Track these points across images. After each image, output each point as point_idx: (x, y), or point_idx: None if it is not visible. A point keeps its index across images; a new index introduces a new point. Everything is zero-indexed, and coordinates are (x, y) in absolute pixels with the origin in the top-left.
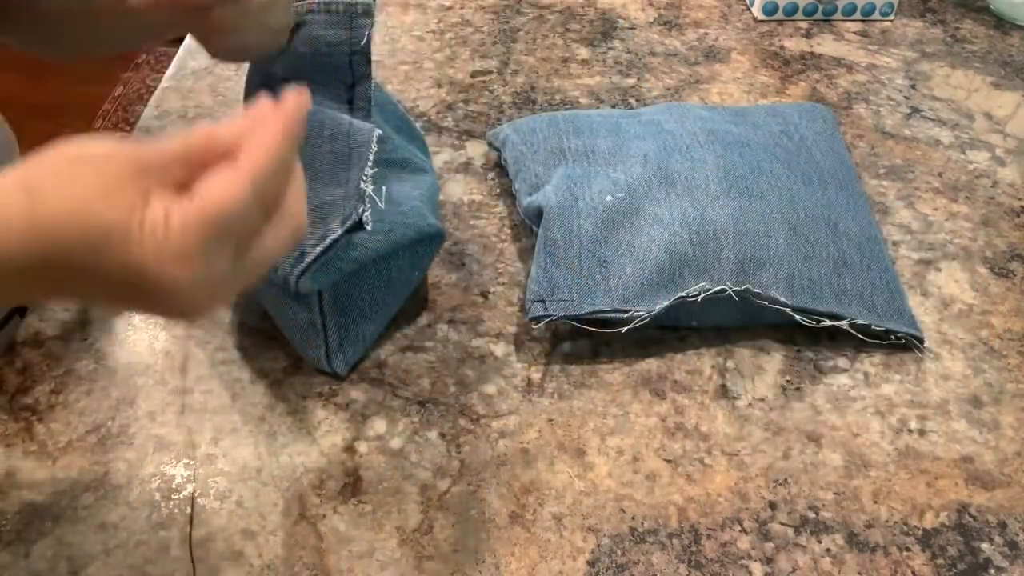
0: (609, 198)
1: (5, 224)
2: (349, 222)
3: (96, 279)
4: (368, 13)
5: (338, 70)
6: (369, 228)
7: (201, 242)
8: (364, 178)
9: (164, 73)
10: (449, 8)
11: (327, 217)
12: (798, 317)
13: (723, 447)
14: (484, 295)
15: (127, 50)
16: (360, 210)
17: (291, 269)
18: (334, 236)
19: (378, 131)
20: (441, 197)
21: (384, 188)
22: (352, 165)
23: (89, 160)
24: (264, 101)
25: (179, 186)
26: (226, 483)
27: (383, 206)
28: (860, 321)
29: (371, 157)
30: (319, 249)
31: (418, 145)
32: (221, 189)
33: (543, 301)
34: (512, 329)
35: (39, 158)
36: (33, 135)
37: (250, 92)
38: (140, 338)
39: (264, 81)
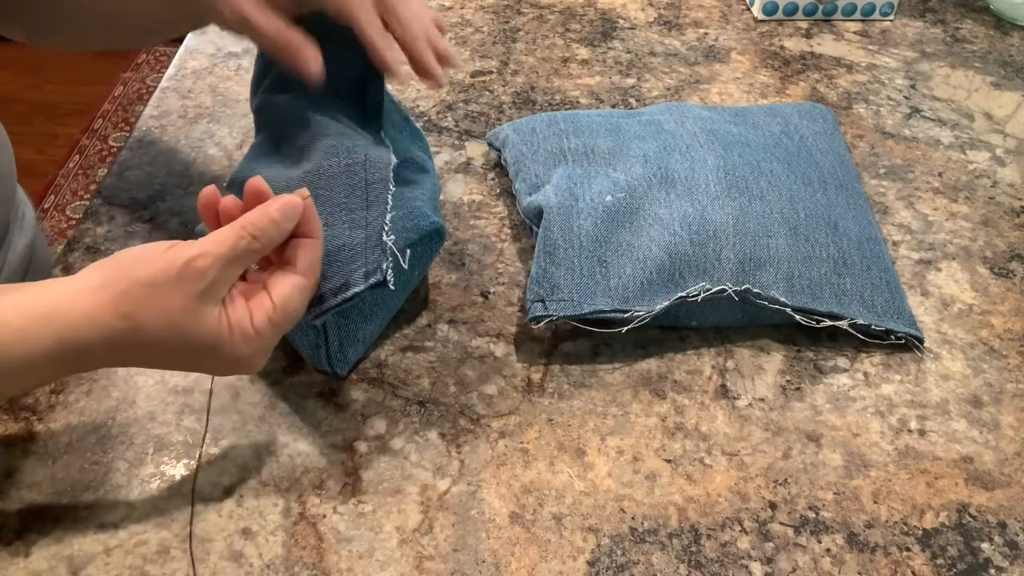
0: (609, 198)
1: (110, 344)
2: (373, 279)
3: (187, 366)
4: None
5: (353, 65)
6: (392, 287)
7: (279, 333)
8: (386, 227)
9: (164, 73)
10: (449, 8)
11: (347, 262)
12: (798, 317)
13: (723, 447)
14: (484, 295)
15: (135, 47)
16: (384, 267)
17: (307, 313)
18: (357, 290)
19: (394, 160)
20: (441, 197)
21: (408, 251)
22: (371, 204)
23: (165, 284)
24: (313, 214)
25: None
26: (226, 483)
27: (406, 266)
28: (860, 321)
29: (390, 199)
30: (339, 299)
31: (419, 144)
32: (289, 293)
33: (543, 301)
34: (512, 329)
35: (114, 277)
36: (33, 135)
37: (259, 81)
38: None
39: (275, 76)
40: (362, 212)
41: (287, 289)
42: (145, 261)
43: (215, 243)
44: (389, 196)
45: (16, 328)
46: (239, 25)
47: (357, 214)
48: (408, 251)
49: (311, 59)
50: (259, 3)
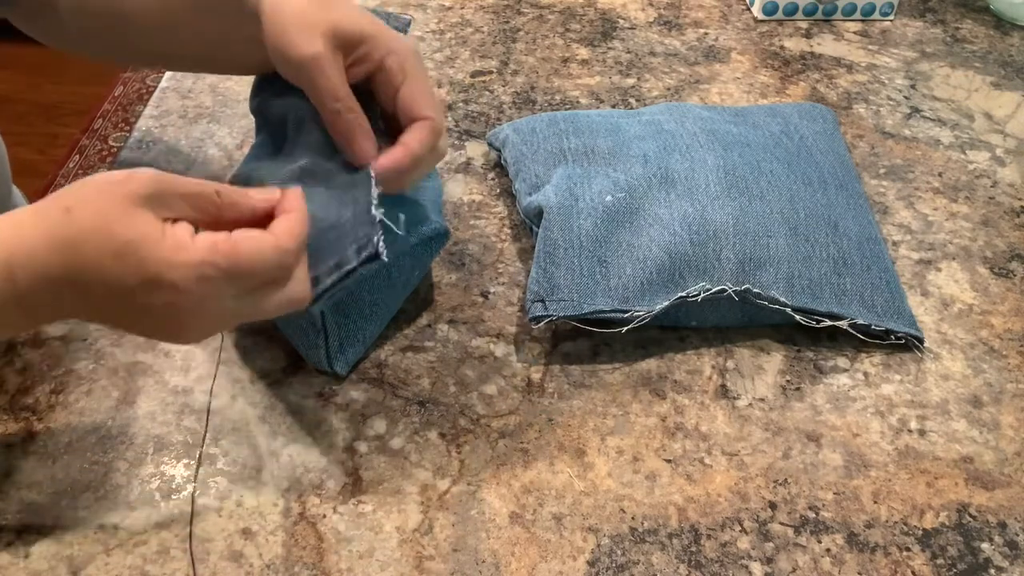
0: (609, 198)
1: (48, 237)
2: (365, 253)
3: (113, 290)
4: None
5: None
6: (385, 259)
7: (221, 270)
8: (373, 200)
9: (164, 73)
10: (449, 8)
11: (338, 240)
12: (798, 317)
13: (723, 447)
14: (484, 295)
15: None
16: (375, 240)
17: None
18: (349, 267)
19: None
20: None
21: (402, 216)
22: (357, 183)
23: (115, 183)
24: (296, 190)
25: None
26: (226, 483)
27: (401, 231)
28: (860, 321)
29: (372, 172)
30: (334, 277)
31: None
32: (256, 241)
33: (543, 301)
34: (512, 329)
35: (76, 184)
36: (33, 135)
37: (259, 83)
38: (140, 338)
39: (274, 85)
40: (351, 192)
41: (251, 235)
42: (115, 173)
43: (174, 176)
44: (371, 170)
45: None
46: (309, 73)
47: (346, 195)
48: (402, 216)
49: (365, 148)
50: (334, 60)
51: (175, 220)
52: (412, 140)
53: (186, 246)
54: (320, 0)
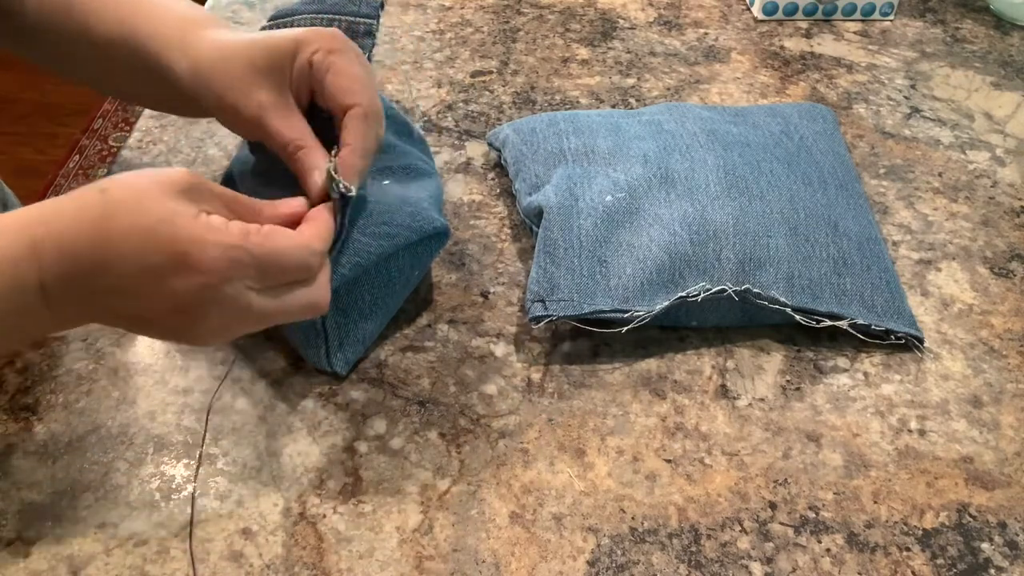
0: (609, 198)
1: (79, 212)
2: (335, 197)
3: (137, 269)
4: (369, 33)
5: None
6: (351, 194)
7: (253, 257)
8: (330, 158)
9: None
10: (449, 8)
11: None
12: (798, 317)
13: (723, 447)
14: (484, 295)
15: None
16: (337, 185)
17: None
18: (336, 220)
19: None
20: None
21: (386, 181)
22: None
23: (154, 172)
24: (324, 206)
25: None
26: (226, 483)
27: (368, 190)
28: (860, 321)
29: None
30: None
31: (421, 148)
32: (289, 237)
33: (543, 301)
34: (512, 329)
35: (116, 175)
36: (33, 135)
37: None
38: (140, 338)
39: None
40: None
41: (284, 230)
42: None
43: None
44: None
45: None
46: (249, 127)
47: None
48: (387, 182)
49: (319, 184)
50: (278, 104)
51: (209, 213)
52: (349, 135)
53: (220, 228)
54: (231, 47)
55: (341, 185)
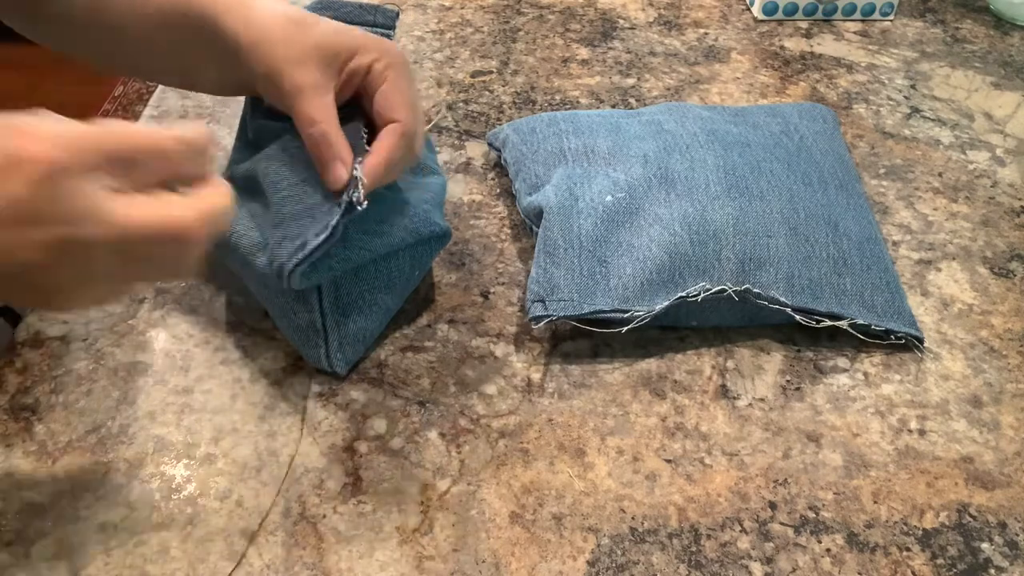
0: (609, 198)
1: None
2: (344, 203)
3: None
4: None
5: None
6: (361, 208)
7: (91, 142)
8: (356, 164)
9: None
10: (449, 8)
11: (320, 215)
12: (798, 317)
13: (723, 447)
14: (484, 295)
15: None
16: (352, 193)
17: (288, 258)
18: (333, 222)
19: (364, 129)
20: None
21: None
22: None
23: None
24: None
25: None
26: (226, 483)
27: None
28: (860, 321)
29: (366, 146)
30: (321, 237)
31: (426, 147)
32: (143, 128)
33: (543, 301)
34: (512, 329)
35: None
36: None
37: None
38: (140, 338)
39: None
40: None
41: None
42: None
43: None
44: (363, 142)
45: None
46: (291, 101)
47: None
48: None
49: (337, 174)
50: (320, 88)
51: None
52: (382, 146)
53: (65, 124)
54: (298, 22)
55: (356, 195)
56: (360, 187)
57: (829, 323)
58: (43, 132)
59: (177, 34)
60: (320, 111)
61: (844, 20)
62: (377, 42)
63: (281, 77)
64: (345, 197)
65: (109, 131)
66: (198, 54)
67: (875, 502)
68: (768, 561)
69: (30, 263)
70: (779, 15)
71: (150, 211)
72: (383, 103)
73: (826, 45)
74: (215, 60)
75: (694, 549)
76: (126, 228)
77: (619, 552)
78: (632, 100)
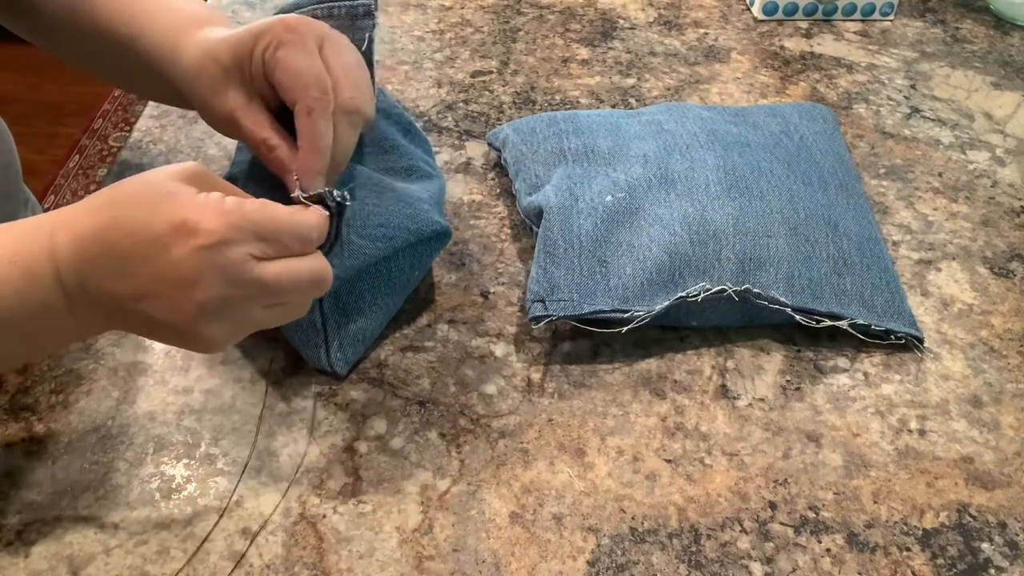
0: (609, 198)
1: (92, 201)
2: (332, 208)
3: (141, 242)
4: (369, 14)
5: None
6: (350, 203)
7: (251, 222)
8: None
9: None
10: (449, 8)
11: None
12: (798, 317)
13: (723, 447)
14: (484, 295)
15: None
16: (328, 198)
17: None
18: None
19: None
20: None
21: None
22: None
23: (164, 166)
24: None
25: None
26: (226, 483)
27: (365, 190)
28: (860, 321)
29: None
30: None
31: (424, 149)
32: (283, 209)
33: (543, 301)
34: (512, 329)
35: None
36: (33, 135)
37: None
38: (140, 338)
39: None
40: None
41: (278, 204)
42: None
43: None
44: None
45: None
46: (227, 127)
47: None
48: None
49: (290, 181)
50: (248, 103)
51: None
52: (301, 135)
53: (220, 200)
54: (207, 51)
55: (336, 195)
56: (330, 188)
57: (829, 323)
58: (210, 208)
59: (134, 63)
60: (256, 128)
61: (844, 20)
62: (268, 24)
63: (212, 109)
64: (330, 201)
65: (263, 213)
66: (157, 83)
67: (875, 502)
68: (768, 561)
69: (187, 318)
70: (779, 15)
71: (289, 269)
72: (281, 88)
73: (826, 45)
74: (171, 89)
75: (694, 549)
76: (273, 285)
77: (619, 552)
78: (632, 100)
